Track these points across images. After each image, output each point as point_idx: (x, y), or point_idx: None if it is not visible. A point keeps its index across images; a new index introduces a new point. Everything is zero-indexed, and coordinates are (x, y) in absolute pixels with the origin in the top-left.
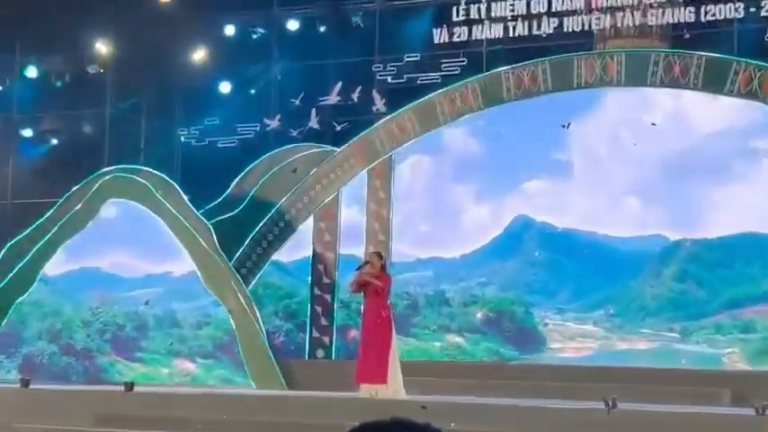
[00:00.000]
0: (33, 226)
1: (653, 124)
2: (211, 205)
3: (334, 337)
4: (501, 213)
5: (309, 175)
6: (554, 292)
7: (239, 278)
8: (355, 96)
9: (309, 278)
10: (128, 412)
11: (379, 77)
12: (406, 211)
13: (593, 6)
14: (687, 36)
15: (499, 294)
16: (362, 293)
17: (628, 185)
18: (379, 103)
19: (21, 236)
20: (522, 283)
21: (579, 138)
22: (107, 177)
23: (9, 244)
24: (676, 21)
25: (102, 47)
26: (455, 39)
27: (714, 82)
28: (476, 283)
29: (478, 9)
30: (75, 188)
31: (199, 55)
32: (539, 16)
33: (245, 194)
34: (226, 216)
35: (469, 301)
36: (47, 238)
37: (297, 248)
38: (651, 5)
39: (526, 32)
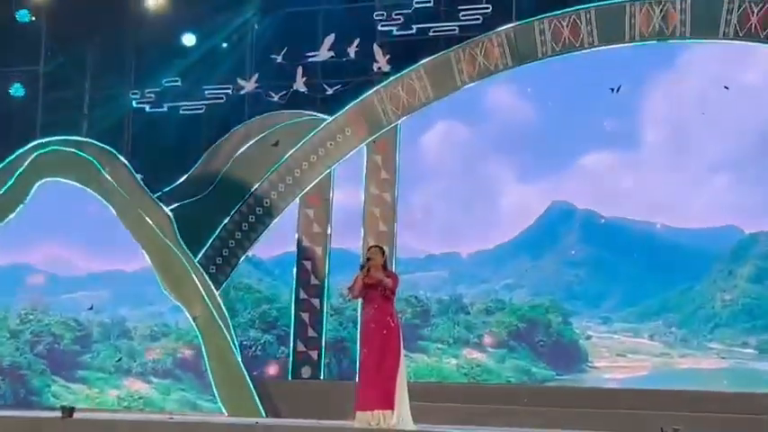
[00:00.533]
0: None
1: (725, 88)
2: (171, 187)
3: (324, 351)
4: (533, 199)
5: (294, 150)
6: (599, 297)
7: (206, 278)
8: (352, 52)
9: (293, 279)
10: None
11: (381, 28)
12: (415, 196)
13: None
14: None
15: (530, 300)
16: (362, 298)
17: (694, 165)
18: (382, 61)
19: None
20: (558, 287)
21: (630, 105)
22: (41, 152)
23: None
24: None
25: None
26: None
27: None
28: (501, 285)
29: None
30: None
31: None
32: None
33: (214, 174)
34: (189, 201)
35: (493, 307)
36: None
37: (278, 242)
38: None
39: None
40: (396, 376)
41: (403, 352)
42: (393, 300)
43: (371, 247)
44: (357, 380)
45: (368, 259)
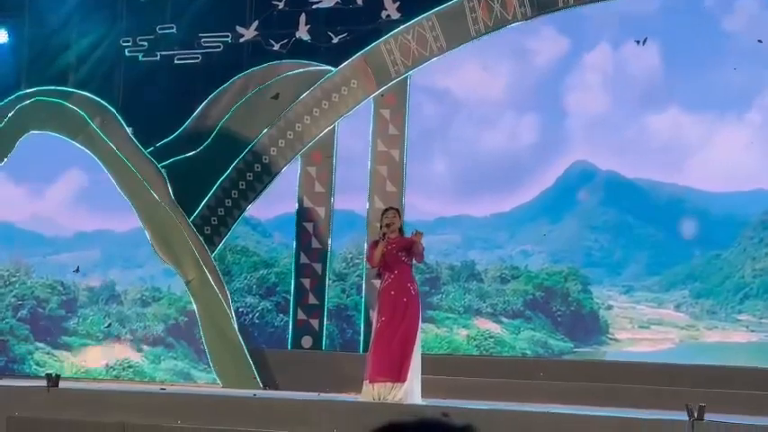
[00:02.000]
0: None
1: (759, 42)
2: (164, 142)
3: (326, 320)
4: (553, 158)
5: (296, 103)
6: (621, 264)
7: (201, 240)
8: None
9: (294, 242)
10: (51, 415)
11: None
12: (426, 154)
13: None
14: None
15: (548, 267)
16: (382, 266)
17: (727, 116)
18: (391, 8)
19: None
20: (578, 253)
21: (658, 53)
22: (26, 103)
23: None
24: None
25: None
26: None
27: None
28: (517, 251)
29: None
30: None
31: None
32: None
33: (210, 128)
34: (183, 156)
35: (508, 275)
36: None
37: (278, 201)
38: None
39: None
40: (413, 347)
41: (421, 321)
42: (412, 265)
43: (388, 210)
44: (370, 348)
45: (386, 225)
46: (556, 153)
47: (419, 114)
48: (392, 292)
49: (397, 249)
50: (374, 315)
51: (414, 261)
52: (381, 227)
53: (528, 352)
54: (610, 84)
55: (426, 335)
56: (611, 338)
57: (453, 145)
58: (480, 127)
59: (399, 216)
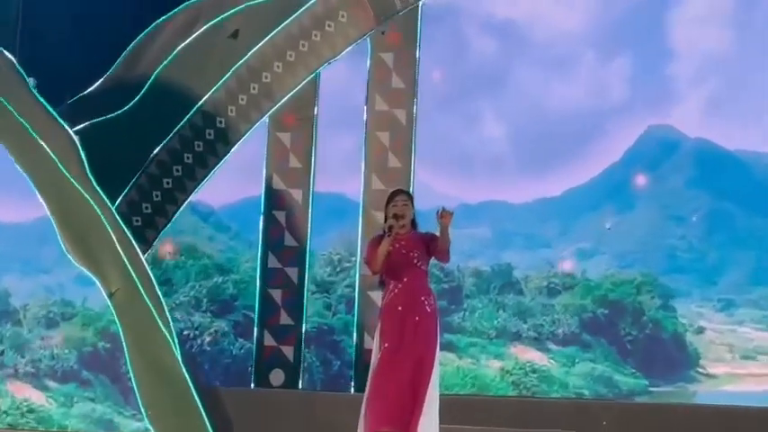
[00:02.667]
0: None
1: None
2: (78, 97)
3: (304, 347)
4: (620, 122)
5: (263, 44)
6: (718, 269)
7: (128, 235)
8: None
9: (260, 238)
10: None
11: None
12: (444, 115)
13: None
14: None
15: (614, 273)
16: (386, 272)
17: None
18: None
19: None
20: (656, 253)
21: None
22: None
23: None
24: None
25: None
26: None
27: None
28: (571, 251)
29: None
30: None
31: None
32: None
33: (141, 79)
34: (105, 118)
35: (557, 284)
36: None
37: (237, 181)
38: None
39: None
40: (428, 385)
41: (439, 348)
42: (428, 271)
43: (397, 194)
44: (369, 387)
45: (394, 216)
46: (627, 115)
47: (434, 59)
48: (399, 308)
49: (408, 248)
50: (374, 340)
51: (436, 261)
52: (387, 218)
53: (585, 392)
54: (730, 21)
55: (444, 367)
56: (702, 373)
57: (482, 104)
58: (520, 77)
59: (412, 204)
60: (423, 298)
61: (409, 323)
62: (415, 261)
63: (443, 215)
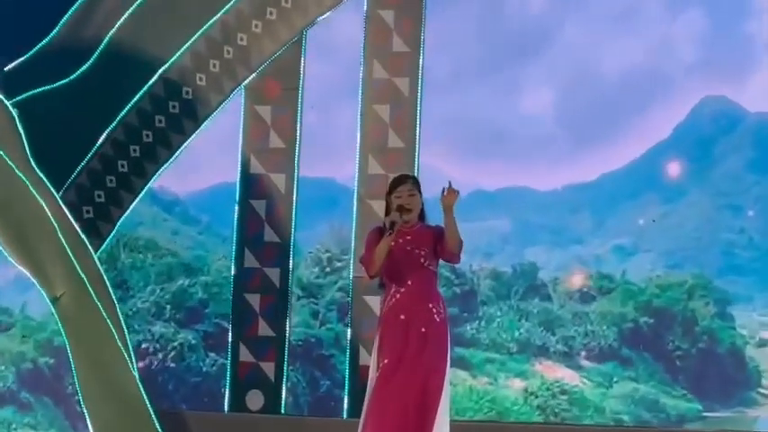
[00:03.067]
0: None
1: None
2: (17, 64)
3: (287, 364)
4: (669, 92)
5: (236, 1)
6: None
7: (77, 228)
8: None
9: (234, 232)
10: None
11: None
12: (455, 84)
13: None
14: None
15: (661, 275)
16: (385, 274)
17: None
18: None
19: None
20: (711, 251)
21: None
22: None
23: None
24: None
25: None
26: None
27: None
28: (608, 247)
29: None
30: None
31: None
32: None
33: (91, 42)
34: (49, 88)
35: (593, 288)
36: None
37: (208, 165)
38: None
39: None
40: (437, 409)
41: (450, 366)
42: (437, 273)
43: (403, 180)
44: (366, 410)
45: (399, 209)
46: (673, 83)
47: (443, 16)
48: (402, 317)
49: (414, 244)
50: (372, 356)
51: (445, 262)
52: (389, 209)
53: (626, 417)
54: None
55: (455, 389)
56: (766, 395)
57: (500, 72)
58: (545, 37)
59: (420, 192)
60: (430, 305)
61: (413, 335)
62: (422, 260)
63: (447, 194)
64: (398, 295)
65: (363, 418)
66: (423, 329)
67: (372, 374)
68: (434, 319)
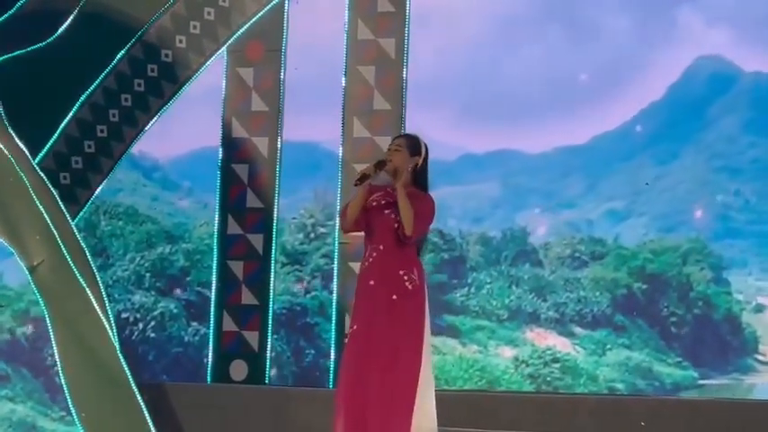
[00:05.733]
0: None
1: None
2: None
3: (270, 334)
4: (661, 51)
5: None
6: None
7: (54, 195)
8: None
9: (216, 197)
10: None
11: None
12: (443, 44)
13: None
14: None
15: (654, 239)
16: (364, 233)
17: None
18: None
19: None
20: (707, 214)
21: None
22: None
23: None
24: None
25: None
26: None
27: None
28: (600, 211)
29: None
30: None
31: None
32: None
33: (68, 3)
34: (23, 51)
35: (585, 252)
36: None
37: (188, 129)
38: None
39: None
40: (413, 386)
41: (429, 334)
42: (416, 242)
43: (397, 137)
44: (338, 381)
45: (378, 163)
46: (666, 43)
47: None
48: (371, 282)
49: (392, 208)
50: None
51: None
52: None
53: (620, 386)
54: None
55: (445, 357)
56: (762, 361)
57: (490, 28)
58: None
59: (413, 149)
60: (402, 272)
61: (382, 302)
62: (395, 225)
63: (378, 164)
64: (371, 259)
65: (336, 392)
66: (393, 297)
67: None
68: (406, 286)
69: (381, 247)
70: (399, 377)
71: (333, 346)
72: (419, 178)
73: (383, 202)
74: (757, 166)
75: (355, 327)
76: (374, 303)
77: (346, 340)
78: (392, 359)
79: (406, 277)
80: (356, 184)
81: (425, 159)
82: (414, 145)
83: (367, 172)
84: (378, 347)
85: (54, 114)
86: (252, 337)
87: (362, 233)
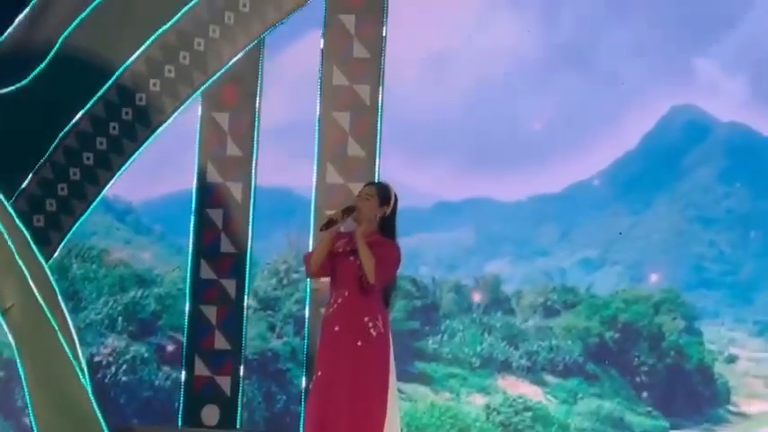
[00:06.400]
0: None
1: None
2: None
3: (242, 378)
4: (639, 101)
5: (193, 3)
6: (753, 284)
7: (27, 237)
8: None
9: (190, 242)
10: None
11: None
12: (418, 92)
13: None
14: None
15: (627, 288)
16: (330, 278)
17: None
18: None
19: None
20: (679, 264)
21: None
22: None
23: None
24: None
25: None
26: None
27: None
28: (574, 260)
29: None
30: None
31: None
32: None
33: (45, 44)
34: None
35: (557, 301)
36: None
37: (163, 173)
38: None
39: None
40: (381, 426)
41: (394, 380)
42: (382, 290)
43: (367, 185)
44: (305, 427)
45: (346, 210)
46: (644, 92)
47: (404, 20)
48: (336, 329)
49: (351, 251)
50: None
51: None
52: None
53: None
54: None
55: (416, 405)
56: (734, 413)
57: (468, 74)
58: (510, 43)
59: (382, 199)
60: (366, 318)
61: (347, 348)
62: (360, 272)
63: (344, 212)
64: (336, 305)
65: None
66: (358, 343)
67: (309, 389)
68: (371, 333)
69: (346, 293)
70: (365, 423)
71: (304, 392)
72: (386, 226)
73: (348, 248)
74: (732, 216)
75: (320, 373)
76: (338, 349)
77: (311, 386)
78: (357, 405)
79: (371, 324)
80: (322, 230)
81: (394, 208)
82: (384, 194)
83: (334, 218)
84: (342, 393)
85: (28, 156)
86: (224, 382)
87: (328, 279)
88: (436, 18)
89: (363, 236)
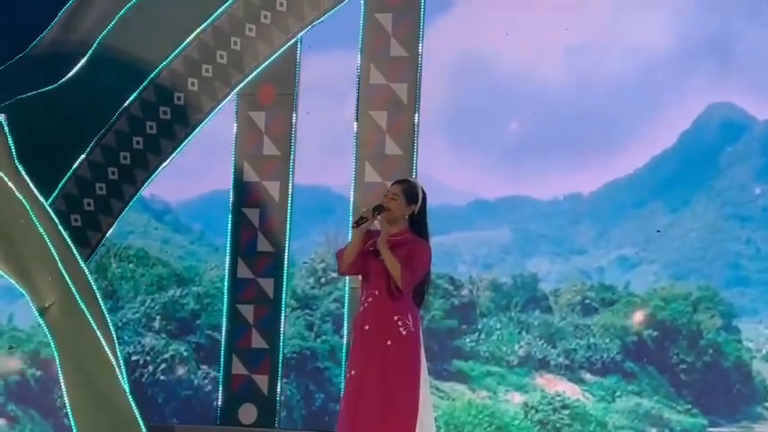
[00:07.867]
0: None
1: None
2: (4, 67)
3: (281, 376)
4: (675, 99)
5: (230, 3)
6: None
7: (66, 237)
8: None
9: (228, 241)
10: None
11: None
12: (456, 90)
13: None
14: None
15: (665, 287)
16: (361, 276)
17: None
18: None
19: None
20: (718, 262)
21: None
22: None
23: None
24: None
25: None
26: None
27: None
28: (611, 258)
29: None
30: None
31: None
32: None
33: (81, 46)
34: (35, 93)
35: (595, 299)
36: None
37: (199, 173)
38: None
39: None
40: (413, 426)
41: (426, 379)
42: (413, 290)
43: (393, 184)
44: (338, 427)
45: (376, 208)
46: (680, 91)
47: (444, 21)
48: (366, 327)
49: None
50: None
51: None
52: (368, 211)
53: None
54: None
55: (454, 403)
56: None
57: (504, 76)
58: (554, 41)
59: (409, 198)
60: (396, 317)
61: (376, 348)
62: (389, 275)
63: (368, 213)
64: (366, 304)
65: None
66: (388, 342)
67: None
68: (400, 332)
69: (377, 292)
70: (395, 422)
71: (341, 389)
72: (416, 225)
73: (370, 244)
74: None
75: (353, 372)
76: (369, 348)
77: (344, 385)
78: (387, 404)
79: (400, 323)
80: (354, 227)
81: (423, 206)
82: (410, 192)
83: (365, 215)
84: (372, 392)
85: (66, 156)
86: (262, 381)
87: (359, 276)
88: (474, 18)
89: (387, 238)
